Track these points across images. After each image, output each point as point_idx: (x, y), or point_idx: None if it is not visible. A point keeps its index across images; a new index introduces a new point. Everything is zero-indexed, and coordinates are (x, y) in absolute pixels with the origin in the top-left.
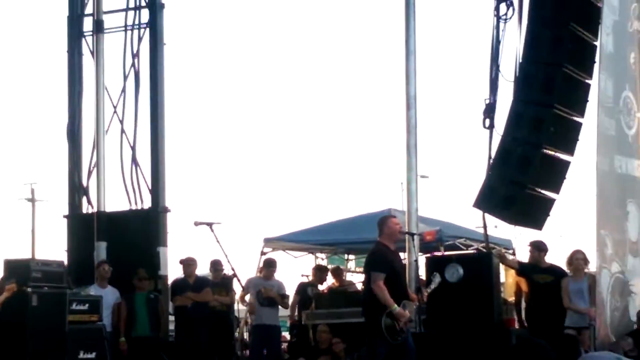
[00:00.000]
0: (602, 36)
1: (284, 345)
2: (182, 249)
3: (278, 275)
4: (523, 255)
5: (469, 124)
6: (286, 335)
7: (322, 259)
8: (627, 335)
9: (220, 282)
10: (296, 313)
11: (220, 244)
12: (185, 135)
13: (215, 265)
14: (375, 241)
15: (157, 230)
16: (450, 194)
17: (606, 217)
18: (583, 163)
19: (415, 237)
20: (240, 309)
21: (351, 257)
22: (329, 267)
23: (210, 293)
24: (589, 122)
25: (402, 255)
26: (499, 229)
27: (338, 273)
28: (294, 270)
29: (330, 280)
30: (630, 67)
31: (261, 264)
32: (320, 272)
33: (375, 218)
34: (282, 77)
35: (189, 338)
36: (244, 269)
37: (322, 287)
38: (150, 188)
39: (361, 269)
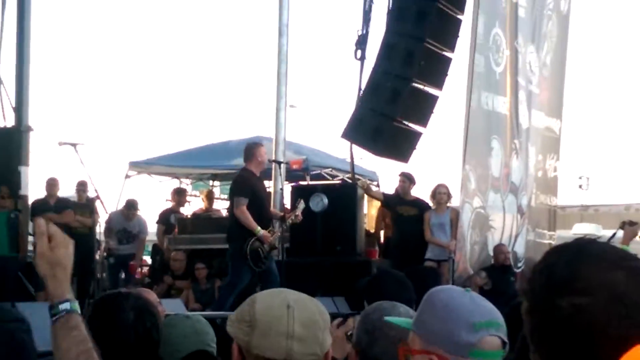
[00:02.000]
0: None
1: (145, 269)
2: (46, 170)
3: (142, 200)
4: (387, 187)
5: (340, 55)
6: (147, 259)
7: (187, 184)
8: (482, 270)
9: (84, 203)
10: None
11: (84, 165)
12: (52, 53)
13: (80, 187)
14: (242, 167)
15: (19, 149)
16: (319, 125)
17: (472, 152)
18: (449, 99)
19: (282, 165)
20: (101, 232)
21: (216, 183)
22: (195, 192)
23: (72, 214)
24: (459, 57)
25: (268, 183)
26: (364, 160)
27: (210, 197)
28: (159, 195)
29: (197, 205)
30: (501, 4)
31: (122, 199)
32: (179, 196)
33: (242, 145)
34: None
35: None
36: (108, 191)
37: (185, 212)
38: (13, 106)
39: (226, 196)
